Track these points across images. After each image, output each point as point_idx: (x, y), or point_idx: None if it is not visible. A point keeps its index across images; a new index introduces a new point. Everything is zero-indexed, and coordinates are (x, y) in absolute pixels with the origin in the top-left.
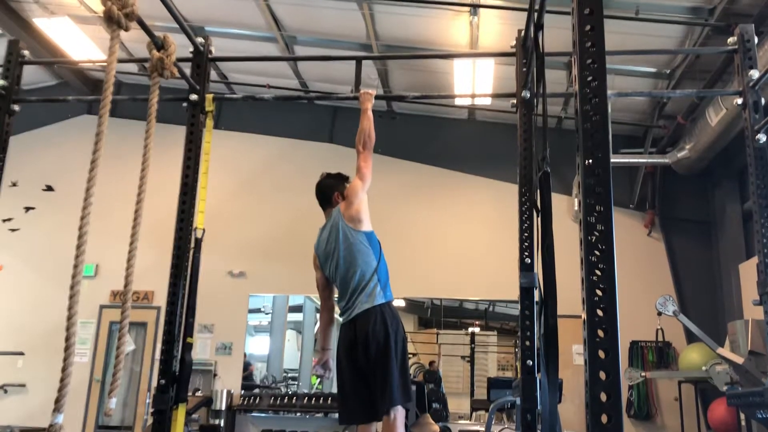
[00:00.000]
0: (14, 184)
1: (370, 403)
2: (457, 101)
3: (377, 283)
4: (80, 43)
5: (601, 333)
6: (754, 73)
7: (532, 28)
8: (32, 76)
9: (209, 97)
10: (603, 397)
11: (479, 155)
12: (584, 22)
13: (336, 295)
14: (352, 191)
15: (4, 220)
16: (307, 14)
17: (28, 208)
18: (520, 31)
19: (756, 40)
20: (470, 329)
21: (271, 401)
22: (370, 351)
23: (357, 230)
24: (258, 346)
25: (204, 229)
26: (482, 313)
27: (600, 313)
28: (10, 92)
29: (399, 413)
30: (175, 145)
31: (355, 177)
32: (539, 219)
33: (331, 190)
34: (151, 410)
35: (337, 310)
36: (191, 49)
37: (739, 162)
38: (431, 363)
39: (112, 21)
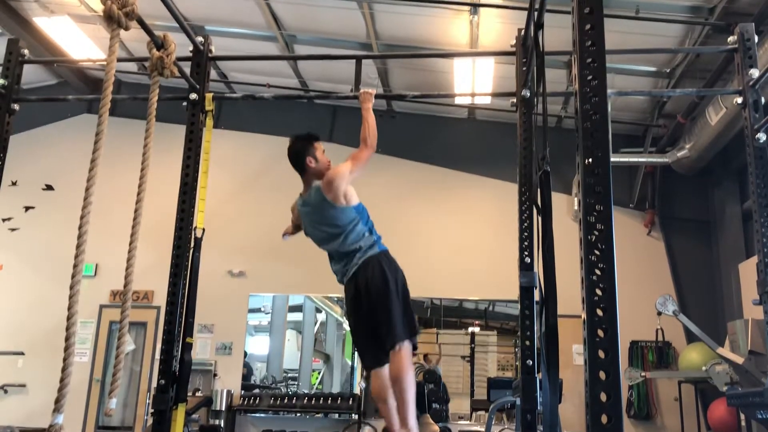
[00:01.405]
0: (14, 184)
1: (380, 348)
2: (457, 100)
3: (372, 244)
4: (80, 42)
5: (601, 333)
6: (754, 73)
7: (532, 27)
8: (32, 76)
9: (209, 96)
10: (603, 397)
11: (479, 154)
12: (584, 21)
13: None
14: (337, 175)
15: (4, 220)
16: (307, 13)
17: (27, 208)
18: (520, 30)
19: (756, 39)
20: (470, 329)
21: (271, 401)
22: (371, 296)
23: (342, 206)
24: (258, 346)
25: (204, 229)
26: (482, 313)
27: (600, 312)
28: (10, 91)
29: (404, 347)
30: (174, 145)
31: (347, 160)
32: (539, 218)
33: (301, 157)
34: (151, 410)
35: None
36: (191, 48)
37: (739, 161)
38: (425, 356)
39: (112, 20)
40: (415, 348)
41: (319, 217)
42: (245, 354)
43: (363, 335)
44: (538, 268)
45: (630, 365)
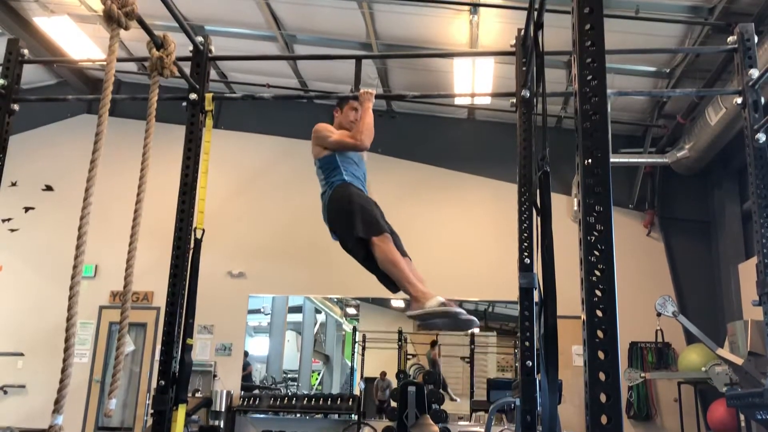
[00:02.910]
0: (14, 184)
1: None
2: (457, 100)
3: (324, 191)
4: (80, 42)
5: (600, 333)
6: (754, 73)
7: (531, 27)
8: (32, 76)
9: (209, 96)
10: (603, 397)
11: (479, 155)
12: (584, 21)
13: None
14: (319, 131)
15: (4, 220)
16: (306, 13)
17: (27, 208)
18: (519, 30)
19: (756, 39)
20: (470, 330)
21: (271, 402)
22: (341, 230)
23: (315, 157)
24: (258, 346)
25: (204, 229)
26: (482, 314)
27: (599, 313)
28: (10, 91)
29: (375, 241)
30: (174, 145)
31: (343, 132)
32: (539, 219)
33: (336, 106)
34: (150, 411)
35: None
36: (191, 48)
37: (739, 162)
38: (433, 342)
39: (111, 20)
40: (391, 233)
41: None
42: (246, 354)
43: (362, 258)
44: (538, 268)
45: (630, 366)
